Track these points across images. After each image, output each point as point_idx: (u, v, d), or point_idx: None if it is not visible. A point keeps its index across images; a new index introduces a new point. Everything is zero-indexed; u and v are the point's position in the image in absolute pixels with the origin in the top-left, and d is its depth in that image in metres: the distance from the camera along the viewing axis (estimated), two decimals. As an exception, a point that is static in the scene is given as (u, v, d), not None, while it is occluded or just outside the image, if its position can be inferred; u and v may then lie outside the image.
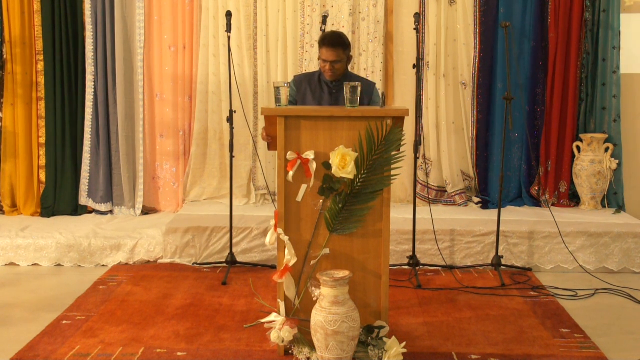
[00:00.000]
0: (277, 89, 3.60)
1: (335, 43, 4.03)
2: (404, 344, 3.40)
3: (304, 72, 5.87)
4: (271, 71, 5.95)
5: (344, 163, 3.40)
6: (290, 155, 3.47)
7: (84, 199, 6.01)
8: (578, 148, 5.88)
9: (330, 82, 4.18)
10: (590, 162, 5.76)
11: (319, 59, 4.14)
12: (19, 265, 5.13)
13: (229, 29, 4.92)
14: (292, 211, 3.52)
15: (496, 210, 4.97)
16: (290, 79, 5.87)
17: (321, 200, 3.50)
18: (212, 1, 5.91)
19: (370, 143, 3.41)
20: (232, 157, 4.97)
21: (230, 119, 4.89)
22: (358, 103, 3.54)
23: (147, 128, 6.00)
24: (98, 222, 5.71)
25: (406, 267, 5.00)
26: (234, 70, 5.05)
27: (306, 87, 4.25)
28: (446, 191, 6.02)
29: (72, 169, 6.01)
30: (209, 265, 5.11)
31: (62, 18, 5.86)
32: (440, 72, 5.93)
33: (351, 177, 3.42)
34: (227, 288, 4.64)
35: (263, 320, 3.60)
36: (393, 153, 3.45)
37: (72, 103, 5.98)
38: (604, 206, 5.88)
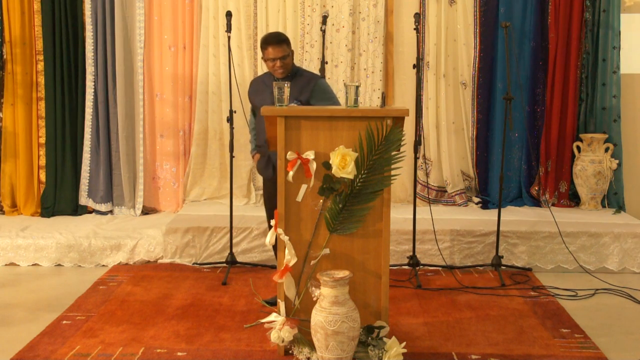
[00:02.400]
0: (277, 89, 3.60)
1: (279, 40, 4.10)
2: (404, 344, 3.40)
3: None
4: (271, 71, 5.94)
5: (344, 163, 3.41)
6: (290, 155, 3.47)
7: (84, 199, 6.01)
8: (578, 148, 5.88)
9: (275, 79, 4.15)
10: (590, 162, 5.76)
11: (266, 61, 4.15)
12: (19, 265, 5.13)
13: (229, 29, 4.92)
14: (292, 211, 3.52)
15: (496, 210, 4.97)
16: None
17: (321, 200, 3.50)
18: (212, 1, 5.91)
19: (370, 143, 3.41)
20: (232, 157, 4.97)
21: (230, 119, 4.90)
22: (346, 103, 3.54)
23: (147, 128, 6.00)
24: (98, 222, 5.71)
25: (406, 267, 4.99)
26: (234, 70, 5.05)
27: (256, 89, 4.32)
28: (446, 191, 6.02)
29: (72, 169, 6.01)
30: (209, 265, 5.11)
31: (62, 18, 5.86)
32: (440, 72, 5.93)
33: (351, 177, 3.42)
34: (227, 288, 4.64)
35: (263, 320, 3.60)
36: (393, 153, 3.45)
37: (72, 103, 5.98)
38: (604, 206, 5.88)
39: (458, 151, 6.05)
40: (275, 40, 4.10)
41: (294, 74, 4.16)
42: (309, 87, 4.10)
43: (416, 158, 4.94)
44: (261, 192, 6.04)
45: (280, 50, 4.07)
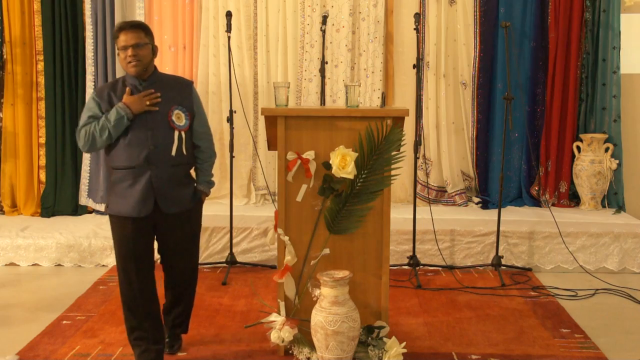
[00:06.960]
0: (277, 89, 3.61)
1: (135, 25, 3.31)
2: (404, 344, 3.40)
3: (303, 71, 5.88)
4: (271, 71, 5.95)
5: (344, 163, 3.41)
6: (290, 155, 3.48)
7: (84, 199, 6.01)
8: (578, 148, 5.87)
9: (139, 83, 3.33)
10: (590, 162, 5.76)
11: (119, 54, 3.31)
12: (19, 265, 5.14)
13: (229, 29, 4.92)
14: (292, 211, 3.52)
15: (496, 210, 4.97)
16: (290, 79, 5.87)
17: (321, 201, 3.50)
18: (212, 1, 5.91)
19: (371, 143, 3.41)
20: (232, 157, 4.97)
21: (230, 119, 4.90)
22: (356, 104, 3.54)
23: (147, 128, 5.99)
24: (98, 222, 5.70)
25: (406, 267, 4.99)
26: (234, 70, 5.05)
27: (111, 94, 3.34)
28: (446, 191, 6.02)
29: (72, 169, 6.01)
30: (209, 265, 5.10)
31: (62, 18, 5.86)
32: (440, 72, 5.93)
33: (351, 177, 3.42)
34: (227, 288, 4.64)
35: (263, 320, 3.60)
36: (393, 153, 3.45)
37: (72, 103, 5.98)
38: (604, 206, 5.88)
39: (458, 151, 6.05)
40: (129, 25, 3.29)
41: (158, 76, 3.39)
42: (187, 93, 3.41)
43: (416, 158, 4.94)
44: (262, 192, 6.02)
45: (135, 37, 3.24)
